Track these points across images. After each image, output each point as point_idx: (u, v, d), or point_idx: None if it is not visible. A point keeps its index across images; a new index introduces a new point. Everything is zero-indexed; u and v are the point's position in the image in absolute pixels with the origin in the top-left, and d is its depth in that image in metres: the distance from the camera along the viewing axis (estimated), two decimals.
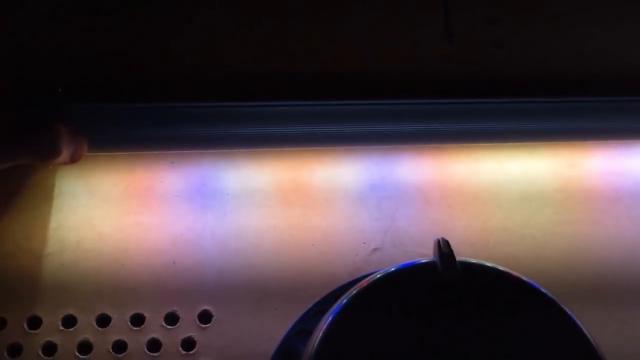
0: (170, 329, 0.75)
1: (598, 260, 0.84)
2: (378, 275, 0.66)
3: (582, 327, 0.63)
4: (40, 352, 0.73)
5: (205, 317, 0.76)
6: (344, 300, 0.65)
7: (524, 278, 0.67)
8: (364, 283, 0.66)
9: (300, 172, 0.85)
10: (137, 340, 0.74)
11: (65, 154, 0.72)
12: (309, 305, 0.76)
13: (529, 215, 0.86)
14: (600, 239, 0.85)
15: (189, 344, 0.75)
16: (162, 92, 0.80)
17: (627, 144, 0.92)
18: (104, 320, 0.75)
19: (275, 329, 0.75)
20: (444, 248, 0.67)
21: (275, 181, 0.84)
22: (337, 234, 0.82)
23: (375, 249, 0.81)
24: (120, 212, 0.81)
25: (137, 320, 0.75)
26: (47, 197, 0.82)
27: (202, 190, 0.83)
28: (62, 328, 0.75)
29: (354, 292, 0.65)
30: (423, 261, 0.67)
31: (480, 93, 0.85)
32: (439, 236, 0.69)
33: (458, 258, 0.66)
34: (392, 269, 0.66)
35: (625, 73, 0.89)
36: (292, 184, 0.84)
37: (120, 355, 0.73)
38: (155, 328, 0.75)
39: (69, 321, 0.75)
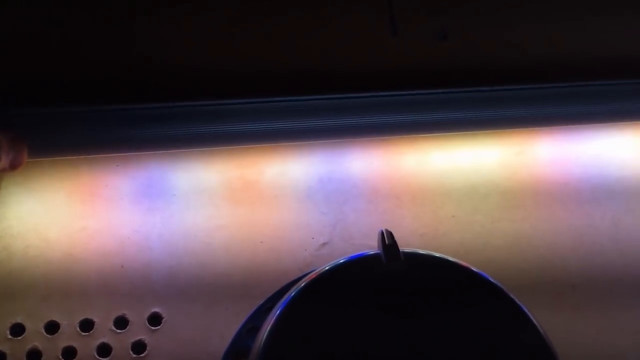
0: (120, 332, 0.75)
1: (546, 245, 0.85)
2: (323, 270, 0.66)
3: (530, 315, 0.64)
4: None
5: (155, 320, 0.76)
6: (290, 296, 0.65)
7: (469, 266, 0.67)
8: (309, 277, 0.66)
9: (248, 170, 0.85)
10: (86, 346, 0.74)
11: (4, 161, 0.72)
12: (260, 303, 0.76)
13: (477, 203, 0.87)
14: (549, 224, 0.87)
15: (139, 347, 0.75)
16: (104, 94, 0.79)
17: (573, 130, 0.94)
18: (52, 327, 0.75)
19: (226, 327, 0.75)
20: (387, 240, 0.67)
21: (223, 180, 0.85)
22: (286, 230, 0.82)
23: (324, 244, 0.82)
24: (67, 218, 0.81)
25: (86, 325, 0.75)
26: None
27: (149, 192, 0.83)
28: (10, 337, 0.74)
29: (299, 287, 0.65)
30: (368, 253, 0.68)
31: (429, 84, 0.86)
32: (387, 228, 0.70)
33: (402, 249, 0.66)
34: (336, 263, 0.66)
35: (569, 61, 0.90)
36: (240, 182, 0.85)
37: None
38: (104, 332, 0.75)
39: (18, 329, 0.75)
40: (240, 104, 0.81)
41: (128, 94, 0.79)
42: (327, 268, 0.67)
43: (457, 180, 0.88)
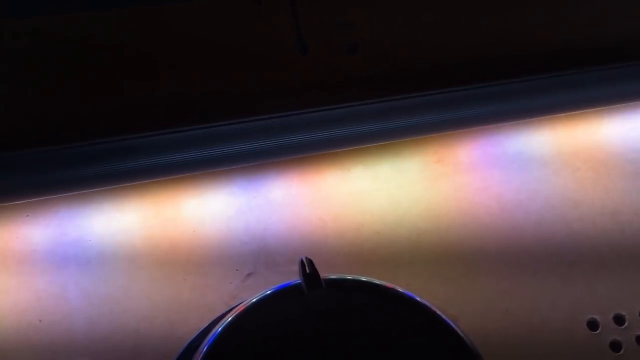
0: None
1: (474, 252, 0.88)
2: (245, 305, 0.68)
3: (460, 331, 0.67)
4: None
5: None
6: (214, 334, 0.66)
7: (394, 287, 0.70)
8: (233, 313, 0.68)
9: (164, 206, 0.86)
10: None
11: None
12: (187, 342, 0.77)
13: (400, 217, 0.89)
14: (474, 230, 0.89)
15: None
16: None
17: (491, 131, 0.97)
18: None
19: None
20: (308, 268, 0.69)
21: (139, 219, 0.85)
22: (209, 265, 0.83)
23: (249, 274, 0.83)
24: None
25: None
26: None
27: (62, 240, 0.83)
28: None
29: (223, 325, 0.67)
30: (289, 284, 0.69)
31: (341, 98, 0.88)
32: (311, 251, 0.72)
33: (324, 275, 0.68)
34: (257, 298, 0.68)
35: (481, 62, 0.94)
36: (156, 219, 0.85)
37: None
38: None
39: None
40: (152, 136, 0.82)
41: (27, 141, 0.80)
42: (248, 304, 0.68)
43: (379, 195, 0.90)
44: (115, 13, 0.84)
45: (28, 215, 0.84)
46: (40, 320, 0.78)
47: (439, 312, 0.68)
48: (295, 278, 0.69)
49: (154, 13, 0.84)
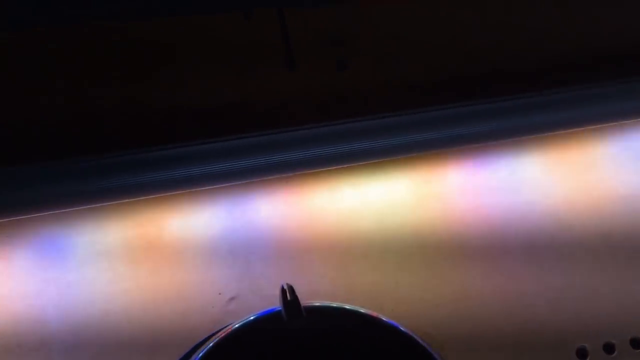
0: None
1: (460, 280, 0.87)
2: (223, 334, 0.67)
3: None
4: None
5: None
6: None
7: (379, 315, 0.69)
8: (213, 339, 0.67)
9: (147, 227, 0.85)
10: None
11: None
12: None
13: (389, 239, 0.88)
14: (463, 259, 0.88)
15: None
16: None
17: (482, 152, 0.95)
18: None
19: None
20: (289, 295, 0.68)
21: (121, 240, 0.84)
22: (191, 288, 0.82)
23: (231, 299, 0.82)
24: None
25: None
26: None
27: (43, 263, 0.82)
28: None
29: (202, 353, 0.66)
30: (270, 311, 0.69)
31: (331, 116, 0.87)
32: (295, 274, 0.71)
33: (305, 303, 0.68)
34: (236, 326, 0.67)
35: (473, 79, 0.93)
36: (139, 241, 0.84)
37: None
38: None
39: None
40: (133, 155, 0.81)
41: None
42: (228, 331, 0.68)
43: (368, 216, 0.89)
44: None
45: (8, 236, 0.83)
46: (19, 346, 0.77)
47: (424, 344, 0.67)
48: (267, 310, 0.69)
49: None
